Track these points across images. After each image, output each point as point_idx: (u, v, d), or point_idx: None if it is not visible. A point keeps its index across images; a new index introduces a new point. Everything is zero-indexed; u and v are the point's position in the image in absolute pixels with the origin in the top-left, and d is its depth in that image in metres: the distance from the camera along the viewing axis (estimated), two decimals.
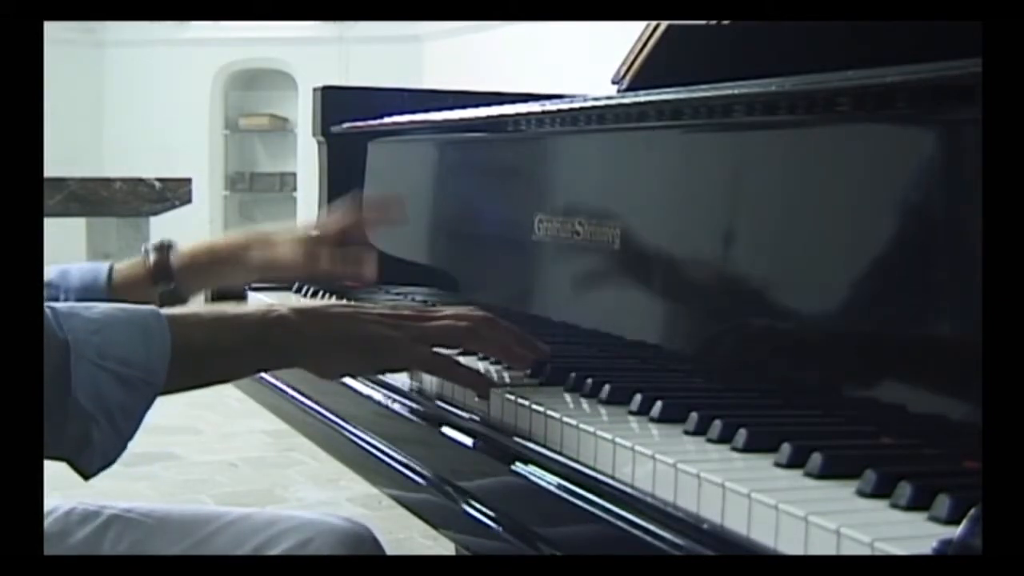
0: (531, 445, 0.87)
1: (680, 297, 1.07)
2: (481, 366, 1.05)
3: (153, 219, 4.01)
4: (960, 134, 0.78)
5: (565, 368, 0.97)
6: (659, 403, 0.84)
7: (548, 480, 0.81)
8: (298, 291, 1.56)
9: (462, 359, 1.00)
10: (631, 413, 0.86)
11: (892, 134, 0.86)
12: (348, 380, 1.18)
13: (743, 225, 1.01)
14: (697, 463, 0.72)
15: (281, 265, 1.31)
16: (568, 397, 0.93)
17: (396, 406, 1.08)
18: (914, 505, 0.62)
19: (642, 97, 1.11)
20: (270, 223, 7.88)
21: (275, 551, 1.05)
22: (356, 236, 1.35)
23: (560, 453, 0.83)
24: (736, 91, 0.97)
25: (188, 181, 4.10)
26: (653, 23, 1.46)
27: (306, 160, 7.18)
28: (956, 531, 0.55)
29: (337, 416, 1.20)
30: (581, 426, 0.82)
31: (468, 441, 0.94)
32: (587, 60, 3.46)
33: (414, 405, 1.05)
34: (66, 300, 0.81)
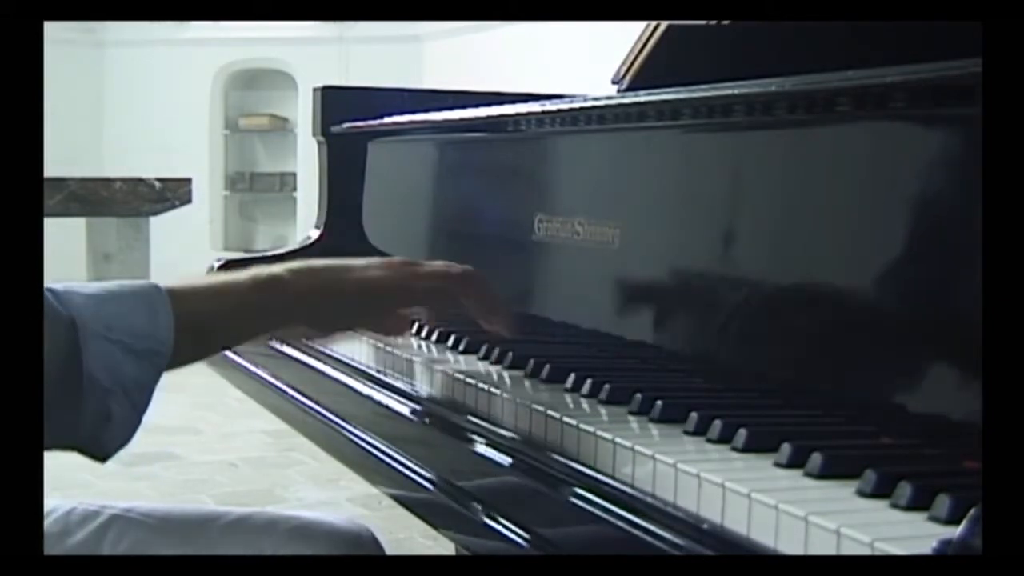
0: (531, 445, 0.87)
1: (680, 297, 1.07)
2: (480, 366, 1.05)
3: (153, 219, 4.00)
4: (960, 134, 0.79)
5: (565, 368, 0.97)
6: (659, 403, 0.84)
7: (548, 480, 0.81)
8: None
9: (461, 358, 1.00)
10: (631, 413, 0.86)
11: (892, 134, 0.86)
12: (348, 380, 1.18)
13: (743, 225, 1.01)
14: (697, 463, 0.72)
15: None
16: (568, 397, 0.93)
17: (396, 406, 1.08)
18: (914, 505, 0.62)
19: (642, 97, 1.11)
20: (271, 223, 7.89)
21: (275, 551, 1.05)
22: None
23: (560, 453, 0.83)
24: (736, 91, 0.97)
25: (188, 181, 4.10)
26: (653, 23, 1.46)
27: (306, 160, 7.17)
28: (956, 531, 0.55)
29: (337, 416, 1.20)
30: (581, 426, 0.82)
31: (468, 441, 0.94)
32: (587, 60, 3.46)
33: (414, 405, 1.05)
34: None
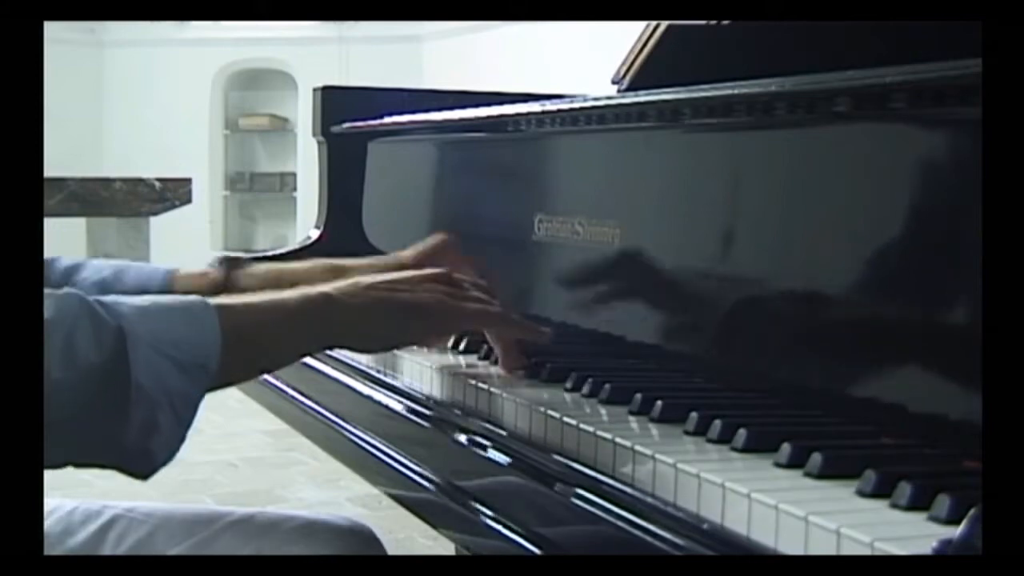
0: (531, 445, 0.87)
1: (680, 297, 1.07)
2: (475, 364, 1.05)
3: (153, 219, 4.00)
4: (960, 134, 0.79)
5: (565, 368, 0.97)
6: (659, 403, 0.84)
7: (548, 480, 0.81)
8: None
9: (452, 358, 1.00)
10: (631, 413, 0.86)
11: (892, 134, 0.86)
12: (348, 380, 1.18)
13: (743, 225, 1.01)
14: (697, 463, 0.72)
15: None
16: (568, 397, 0.93)
17: (396, 406, 1.08)
18: (914, 505, 0.62)
19: (642, 97, 1.11)
20: (271, 223, 7.89)
21: (276, 551, 1.05)
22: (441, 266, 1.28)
23: (560, 453, 0.83)
24: (736, 91, 0.97)
25: (188, 181, 4.09)
26: (653, 23, 1.46)
27: (306, 160, 7.17)
28: (956, 531, 0.55)
29: (337, 416, 1.20)
30: (581, 426, 0.82)
31: (468, 441, 0.94)
32: (587, 60, 3.46)
33: (414, 405, 1.05)
34: None
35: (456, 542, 1.15)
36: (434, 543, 2.70)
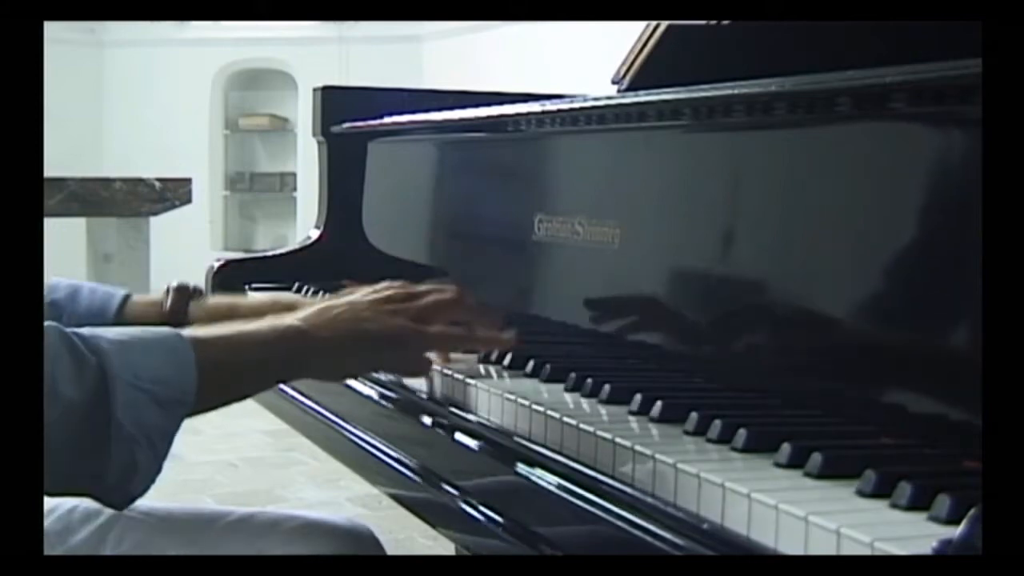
0: (531, 445, 0.87)
1: (680, 297, 1.07)
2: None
3: (153, 219, 4.00)
4: (960, 134, 0.79)
5: (565, 368, 0.97)
6: (659, 403, 0.84)
7: (548, 480, 0.81)
8: (298, 291, 1.56)
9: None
10: (631, 413, 0.86)
11: (892, 134, 0.86)
12: (348, 380, 1.18)
13: (743, 225, 1.01)
14: (697, 463, 0.72)
15: None
16: (568, 397, 0.93)
17: (397, 406, 1.08)
18: (914, 505, 0.62)
19: (642, 97, 1.11)
20: (271, 223, 7.89)
21: (276, 551, 1.05)
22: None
23: (560, 453, 0.83)
24: (736, 91, 0.97)
25: (188, 181, 4.09)
26: (653, 23, 1.46)
27: (306, 160, 7.17)
28: (956, 531, 0.55)
29: (337, 416, 1.20)
30: (581, 426, 0.82)
31: (468, 441, 0.94)
32: (587, 60, 3.46)
33: (414, 405, 1.05)
34: (67, 325, 0.80)
35: (456, 542, 1.15)
36: (434, 543, 2.70)
